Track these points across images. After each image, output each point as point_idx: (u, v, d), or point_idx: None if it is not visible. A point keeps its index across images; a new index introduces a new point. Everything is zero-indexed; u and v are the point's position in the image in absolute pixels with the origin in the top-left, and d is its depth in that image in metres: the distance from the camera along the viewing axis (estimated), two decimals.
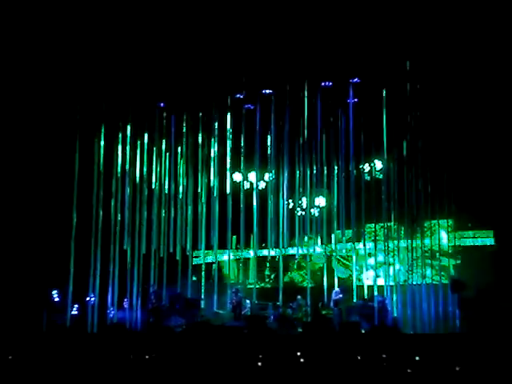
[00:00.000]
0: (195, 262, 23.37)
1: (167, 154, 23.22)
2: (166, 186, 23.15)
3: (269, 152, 23.04)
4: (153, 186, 22.94)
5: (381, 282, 21.90)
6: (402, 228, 22.04)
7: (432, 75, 20.79)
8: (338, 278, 22.43)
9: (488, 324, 17.34)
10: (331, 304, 20.70)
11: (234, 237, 23.41)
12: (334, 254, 22.79)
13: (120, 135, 22.61)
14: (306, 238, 23.10)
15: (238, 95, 22.82)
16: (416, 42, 20.20)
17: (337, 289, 21.06)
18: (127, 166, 22.56)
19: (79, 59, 20.77)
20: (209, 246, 23.16)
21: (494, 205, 21.11)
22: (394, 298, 21.27)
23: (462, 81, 20.51)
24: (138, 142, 22.89)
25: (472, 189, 21.24)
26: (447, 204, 21.37)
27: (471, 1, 19.27)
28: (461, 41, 19.89)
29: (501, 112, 20.52)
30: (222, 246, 23.04)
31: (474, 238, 22.40)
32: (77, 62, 20.82)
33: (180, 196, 23.13)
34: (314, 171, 22.65)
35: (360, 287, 21.82)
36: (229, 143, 23.19)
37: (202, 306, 21.47)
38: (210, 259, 23.53)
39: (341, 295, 20.61)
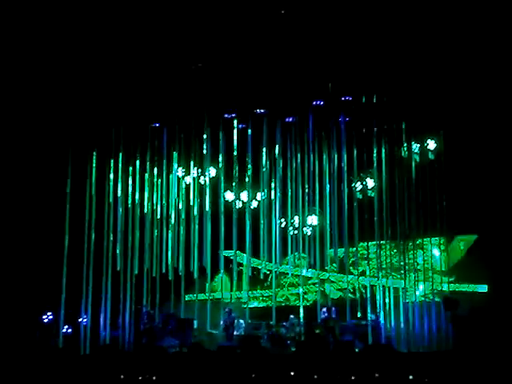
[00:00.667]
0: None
1: (159, 174, 23.23)
2: (158, 207, 23.13)
3: (261, 171, 23.04)
4: (145, 207, 22.92)
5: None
6: (395, 246, 22.11)
7: (424, 92, 20.87)
8: (331, 298, 22.49)
9: (481, 342, 17.33)
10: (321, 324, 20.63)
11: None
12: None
13: (112, 157, 22.65)
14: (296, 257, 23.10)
15: (229, 115, 22.88)
16: (407, 58, 20.28)
17: (324, 308, 20.99)
18: (119, 188, 22.60)
19: (68, 78, 20.81)
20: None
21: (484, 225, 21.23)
22: (388, 317, 21.27)
23: (456, 96, 20.60)
24: (130, 163, 22.93)
25: (464, 205, 21.32)
26: (439, 222, 21.41)
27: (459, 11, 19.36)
28: (452, 54, 19.97)
29: (498, 129, 20.56)
30: (215, 266, 23.00)
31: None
32: (66, 80, 20.86)
33: (172, 216, 23.12)
34: (306, 190, 22.68)
35: (353, 306, 21.75)
36: (221, 163, 23.20)
37: (195, 327, 21.37)
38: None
39: (326, 314, 20.54)
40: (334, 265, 23.23)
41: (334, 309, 20.84)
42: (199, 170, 23.41)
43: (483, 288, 22.23)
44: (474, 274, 22.03)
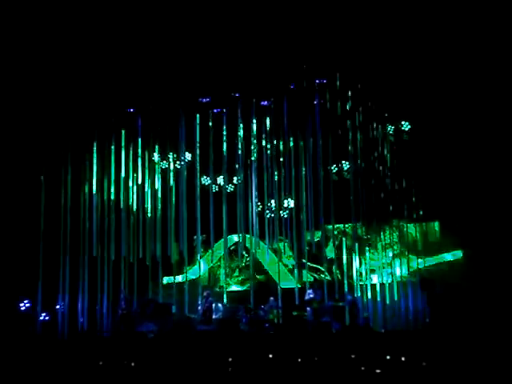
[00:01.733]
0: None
1: (134, 160, 23.13)
2: (134, 193, 23.05)
3: (237, 155, 23.00)
4: (121, 193, 22.83)
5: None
6: (371, 228, 22.24)
7: (402, 74, 20.93)
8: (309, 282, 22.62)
9: (456, 320, 17.55)
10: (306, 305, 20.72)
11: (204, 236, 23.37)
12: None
13: (87, 143, 22.53)
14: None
15: (204, 99, 22.80)
16: (382, 39, 20.31)
17: (309, 290, 21.11)
18: (95, 174, 22.50)
19: (45, 65, 20.65)
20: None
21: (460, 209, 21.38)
22: (365, 297, 21.45)
23: (433, 78, 20.67)
24: (106, 149, 22.81)
25: (440, 190, 21.47)
26: (415, 204, 21.57)
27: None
28: (426, 36, 20.02)
29: (473, 109, 20.66)
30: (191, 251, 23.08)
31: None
32: (43, 67, 20.69)
33: (148, 201, 23.05)
34: (282, 173, 22.70)
35: (331, 287, 21.88)
36: (197, 147, 23.15)
37: (174, 311, 21.39)
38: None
39: (312, 295, 20.67)
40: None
41: (318, 291, 20.96)
42: (175, 155, 23.34)
43: (458, 254, 22.39)
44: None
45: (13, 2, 19.26)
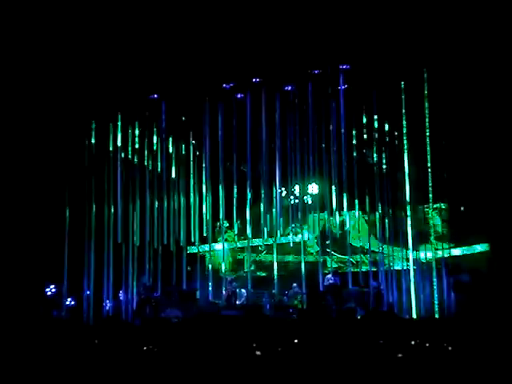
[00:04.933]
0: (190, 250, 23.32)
1: (159, 144, 23.19)
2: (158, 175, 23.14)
3: (261, 140, 22.94)
4: (146, 178, 22.91)
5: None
6: (396, 213, 22.10)
7: (429, 63, 20.72)
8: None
9: (482, 307, 17.43)
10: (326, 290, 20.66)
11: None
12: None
13: (111, 129, 22.63)
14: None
15: (227, 85, 22.73)
16: (412, 30, 20.08)
17: (328, 275, 21.06)
18: (119, 159, 22.59)
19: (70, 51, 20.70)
20: (203, 239, 23.25)
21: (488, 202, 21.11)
22: (390, 283, 21.35)
23: (461, 69, 20.43)
24: (130, 132, 22.89)
25: (467, 177, 21.25)
26: (441, 190, 21.40)
27: None
28: (458, 34, 19.78)
29: (501, 106, 20.36)
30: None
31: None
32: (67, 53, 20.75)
33: (172, 187, 23.12)
34: (306, 159, 22.61)
35: (355, 273, 21.81)
36: (220, 133, 23.14)
37: (198, 297, 21.48)
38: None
39: (331, 281, 20.61)
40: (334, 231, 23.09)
41: (337, 276, 20.91)
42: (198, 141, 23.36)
43: (483, 247, 22.12)
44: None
45: None
